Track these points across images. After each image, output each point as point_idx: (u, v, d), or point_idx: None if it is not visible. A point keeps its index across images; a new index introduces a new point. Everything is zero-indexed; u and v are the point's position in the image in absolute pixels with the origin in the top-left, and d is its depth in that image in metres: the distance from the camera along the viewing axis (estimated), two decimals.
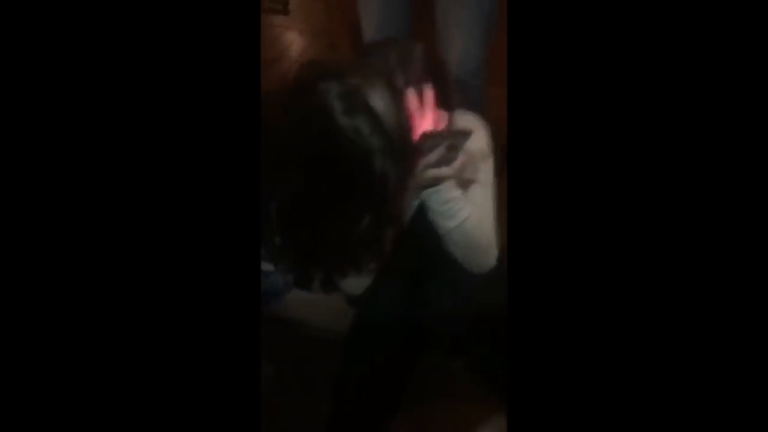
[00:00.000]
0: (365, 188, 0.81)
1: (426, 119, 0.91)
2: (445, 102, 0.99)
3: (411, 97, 0.90)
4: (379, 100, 0.79)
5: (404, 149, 0.82)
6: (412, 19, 1.64)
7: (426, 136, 0.85)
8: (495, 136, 1.05)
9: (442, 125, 0.93)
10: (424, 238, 1.00)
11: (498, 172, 1.03)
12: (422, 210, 0.97)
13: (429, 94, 0.92)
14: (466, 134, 0.86)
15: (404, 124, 0.82)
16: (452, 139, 0.85)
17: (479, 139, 1.02)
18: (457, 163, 0.86)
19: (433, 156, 0.83)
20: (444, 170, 0.86)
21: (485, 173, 1.02)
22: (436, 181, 0.89)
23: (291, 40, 2.28)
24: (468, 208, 0.95)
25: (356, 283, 1.00)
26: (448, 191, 0.93)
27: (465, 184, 0.98)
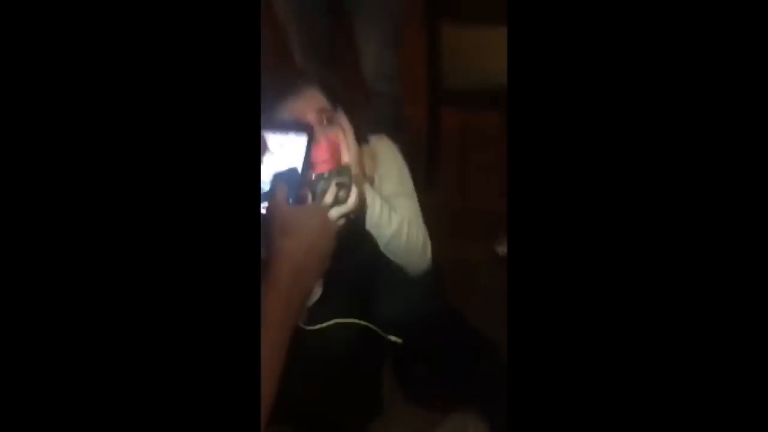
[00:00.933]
0: None
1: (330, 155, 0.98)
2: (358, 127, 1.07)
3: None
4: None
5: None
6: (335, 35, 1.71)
7: (314, 181, 0.89)
8: (415, 149, 1.15)
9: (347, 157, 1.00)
10: (359, 257, 1.08)
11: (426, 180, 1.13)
12: (352, 232, 1.02)
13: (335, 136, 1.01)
14: (347, 169, 0.91)
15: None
16: (338, 178, 0.89)
17: (389, 157, 1.15)
18: (351, 200, 0.89)
19: (327, 198, 0.87)
20: (342, 208, 0.89)
21: (405, 185, 1.15)
22: (341, 219, 0.91)
23: None
24: (396, 218, 1.07)
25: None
26: (374, 209, 1.05)
27: (388, 199, 1.09)
